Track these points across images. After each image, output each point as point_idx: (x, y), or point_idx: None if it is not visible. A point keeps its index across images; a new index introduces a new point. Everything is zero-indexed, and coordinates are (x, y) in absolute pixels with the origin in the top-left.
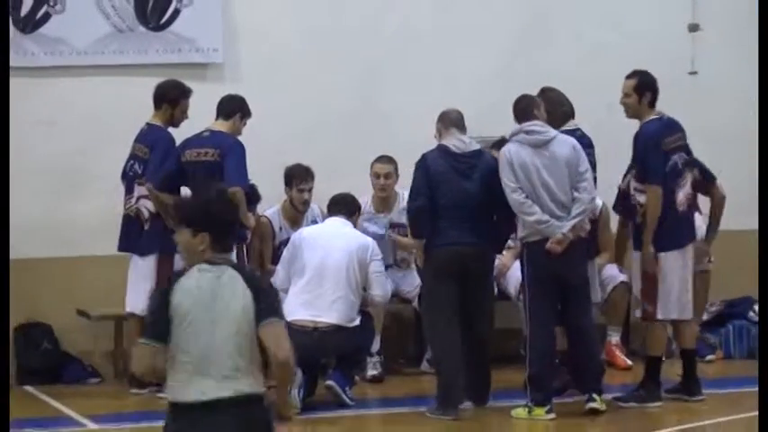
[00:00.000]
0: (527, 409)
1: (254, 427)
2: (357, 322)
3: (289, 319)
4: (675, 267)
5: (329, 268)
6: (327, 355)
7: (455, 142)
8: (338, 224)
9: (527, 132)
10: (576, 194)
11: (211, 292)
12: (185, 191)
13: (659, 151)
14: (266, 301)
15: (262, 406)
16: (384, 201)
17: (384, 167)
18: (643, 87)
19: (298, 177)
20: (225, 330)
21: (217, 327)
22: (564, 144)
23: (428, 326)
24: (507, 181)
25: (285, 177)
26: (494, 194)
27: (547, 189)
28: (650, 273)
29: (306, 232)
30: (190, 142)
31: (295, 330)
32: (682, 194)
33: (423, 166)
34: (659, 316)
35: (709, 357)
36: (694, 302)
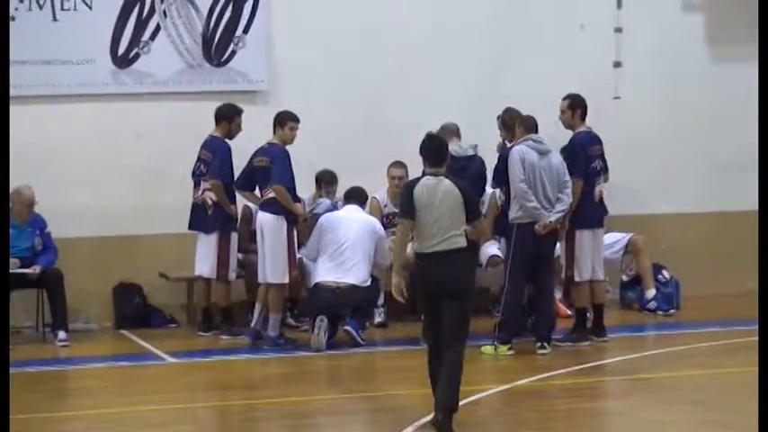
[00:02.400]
0: (494, 347)
1: (456, 266)
2: (368, 283)
3: (317, 280)
4: (588, 242)
5: (348, 243)
6: (346, 306)
7: (455, 147)
8: (353, 210)
9: (535, 141)
10: (560, 195)
11: (435, 191)
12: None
13: (585, 155)
14: (471, 202)
15: (461, 254)
16: (396, 196)
17: (398, 171)
18: (574, 106)
19: (325, 182)
20: (444, 213)
21: (439, 211)
22: (556, 156)
23: None
24: (518, 172)
25: (315, 180)
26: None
27: (542, 186)
28: (569, 246)
29: (330, 217)
30: (257, 152)
31: (322, 288)
32: (597, 190)
33: None
34: (576, 278)
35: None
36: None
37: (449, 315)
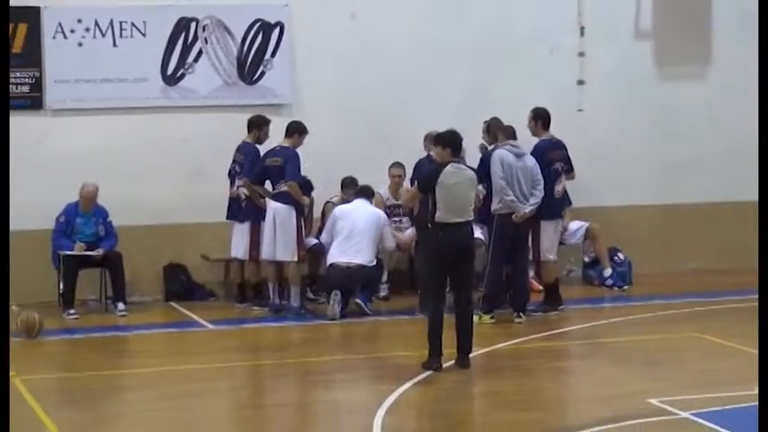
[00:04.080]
0: (479, 316)
1: (469, 234)
2: (374, 263)
3: (332, 261)
4: (549, 230)
5: (356, 230)
6: (355, 282)
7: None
8: (362, 203)
9: (512, 146)
10: (533, 191)
11: (457, 174)
12: (268, 184)
13: (545, 159)
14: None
15: (470, 225)
16: (396, 191)
17: (397, 170)
18: (537, 117)
19: (346, 185)
20: (465, 191)
21: (462, 189)
22: (530, 159)
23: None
24: (498, 171)
25: (341, 184)
26: None
27: (518, 183)
28: (534, 233)
29: (341, 208)
30: (269, 153)
31: (336, 267)
32: (558, 188)
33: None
34: (541, 258)
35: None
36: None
37: (462, 276)
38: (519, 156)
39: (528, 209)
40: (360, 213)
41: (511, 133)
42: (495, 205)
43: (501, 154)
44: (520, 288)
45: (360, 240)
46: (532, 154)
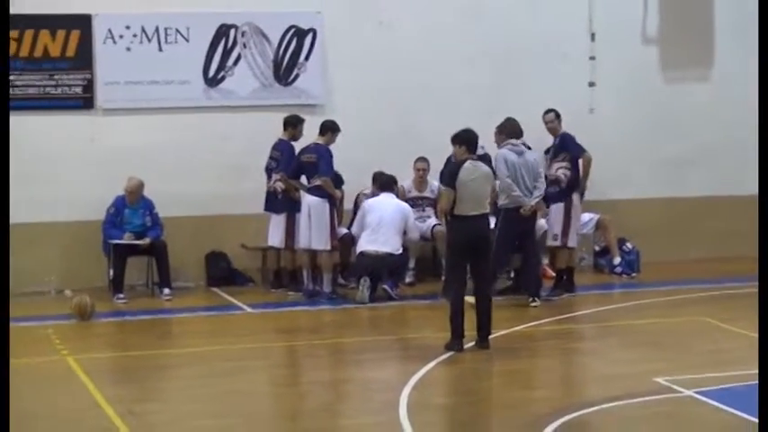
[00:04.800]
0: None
1: (486, 225)
2: (400, 251)
3: (361, 249)
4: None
5: (384, 222)
6: (383, 269)
7: None
8: (388, 197)
9: (514, 145)
10: (536, 184)
11: (474, 170)
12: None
13: (575, 142)
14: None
15: (487, 217)
16: (420, 184)
17: (422, 164)
18: (559, 115)
19: (377, 181)
20: (481, 186)
21: (478, 184)
22: (530, 155)
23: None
24: (504, 169)
25: (372, 178)
26: None
27: (522, 179)
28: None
29: (370, 201)
30: (304, 150)
31: (365, 256)
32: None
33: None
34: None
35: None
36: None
37: (481, 263)
38: (520, 153)
39: (533, 201)
40: (387, 206)
41: (511, 132)
42: (501, 201)
43: (504, 154)
44: (533, 275)
45: (387, 231)
46: (562, 145)
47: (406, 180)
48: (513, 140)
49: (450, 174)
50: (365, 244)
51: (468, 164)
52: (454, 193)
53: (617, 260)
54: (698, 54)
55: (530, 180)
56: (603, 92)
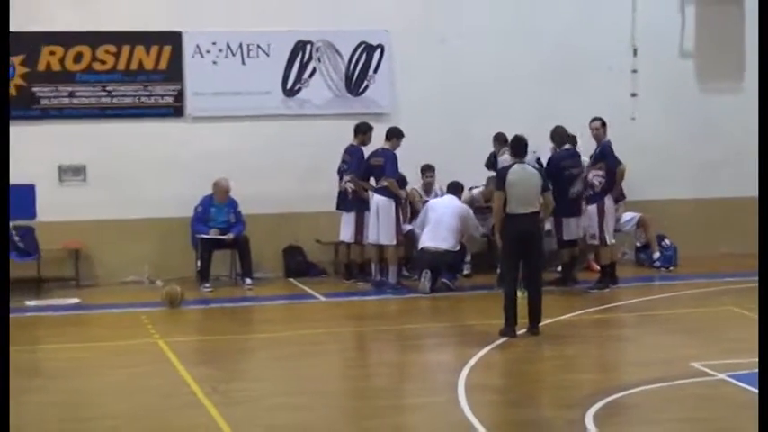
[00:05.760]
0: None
1: (536, 223)
2: (457, 248)
3: (422, 246)
4: (571, 225)
5: (443, 221)
6: (442, 263)
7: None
8: (450, 199)
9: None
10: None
11: (524, 172)
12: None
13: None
14: (544, 180)
15: (537, 215)
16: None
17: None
18: (605, 124)
19: (425, 171)
20: (529, 187)
21: (526, 185)
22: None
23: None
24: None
25: (420, 169)
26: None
27: None
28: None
29: (432, 202)
30: (372, 154)
31: (426, 251)
32: (573, 189)
33: None
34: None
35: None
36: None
37: (531, 257)
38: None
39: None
40: (447, 207)
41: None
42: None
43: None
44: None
45: (445, 230)
46: (602, 153)
47: (476, 189)
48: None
49: (499, 176)
50: (426, 240)
51: (515, 167)
52: (504, 195)
53: (656, 255)
54: (730, 67)
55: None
56: (644, 102)
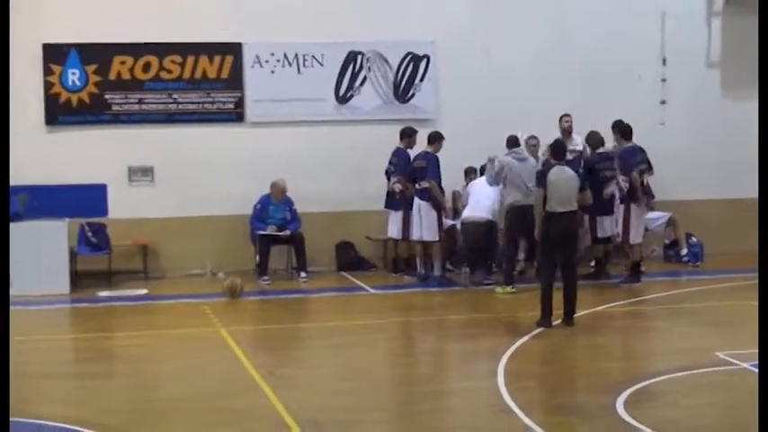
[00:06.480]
0: (501, 288)
1: (574, 221)
2: (492, 218)
3: (463, 219)
4: (605, 223)
5: (482, 193)
6: (481, 234)
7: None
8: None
9: (516, 153)
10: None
11: (563, 173)
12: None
13: (633, 160)
14: (580, 181)
15: (575, 214)
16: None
17: (533, 141)
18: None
19: (468, 173)
20: (568, 187)
21: (565, 185)
22: (531, 161)
23: None
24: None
25: (464, 171)
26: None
27: (522, 181)
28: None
29: (472, 183)
30: (416, 157)
31: (467, 223)
32: (607, 191)
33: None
34: (630, 241)
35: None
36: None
37: (567, 253)
38: (521, 160)
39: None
40: (483, 187)
41: (512, 142)
42: (509, 200)
43: (507, 161)
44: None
45: (486, 198)
46: (623, 155)
47: None
48: (517, 149)
49: (539, 176)
50: (467, 213)
51: (555, 168)
52: (544, 192)
53: (684, 251)
54: (753, 77)
55: (530, 182)
56: (673, 108)
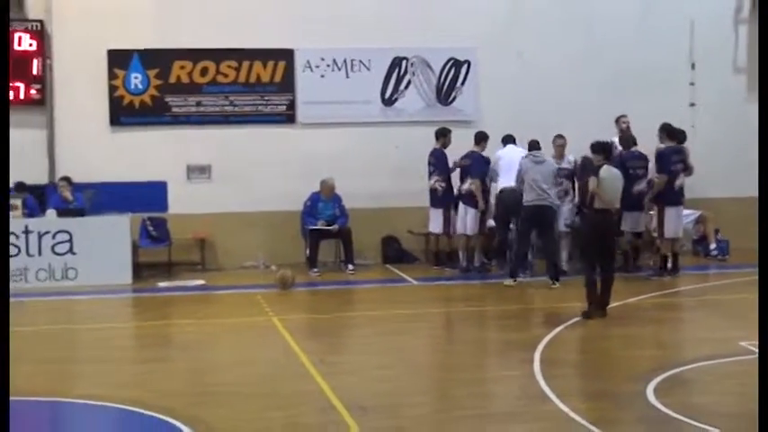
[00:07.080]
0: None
1: (614, 220)
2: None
3: (500, 189)
4: (672, 215)
5: (514, 159)
6: (517, 202)
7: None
8: (511, 147)
9: (534, 155)
10: (552, 187)
11: (611, 172)
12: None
13: (671, 159)
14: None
15: (617, 214)
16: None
17: (561, 141)
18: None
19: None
20: (615, 186)
21: (612, 184)
22: (549, 164)
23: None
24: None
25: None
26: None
27: (536, 183)
28: (659, 216)
29: (500, 153)
30: (463, 156)
31: (504, 192)
32: (678, 182)
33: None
34: (665, 236)
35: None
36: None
37: (607, 249)
38: (538, 162)
39: (557, 201)
40: (513, 155)
41: (533, 145)
42: (525, 198)
43: (522, 163)
44: (551, 261)
45: (514, 169)
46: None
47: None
48: (535, 152)
49: (582, 170)
50: (504, 182)
51: (605, 167)
52: (597, 180)
53: (712, 246)
54: None
55: (546, 183)
56: (702, 111)
